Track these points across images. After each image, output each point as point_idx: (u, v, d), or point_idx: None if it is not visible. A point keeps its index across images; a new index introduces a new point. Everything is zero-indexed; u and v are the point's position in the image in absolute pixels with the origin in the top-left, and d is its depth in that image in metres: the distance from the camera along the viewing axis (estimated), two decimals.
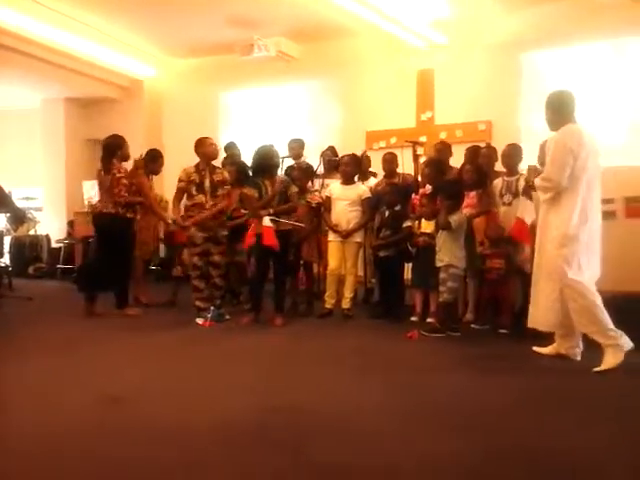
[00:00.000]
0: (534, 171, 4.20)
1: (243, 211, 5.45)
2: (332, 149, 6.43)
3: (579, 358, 4.00)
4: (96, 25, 7.77)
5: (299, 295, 5.96)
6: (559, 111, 4.04)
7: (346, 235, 5.58)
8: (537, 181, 4.03)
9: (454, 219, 4.83)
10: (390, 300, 5.56)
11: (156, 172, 6.27)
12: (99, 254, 5.85)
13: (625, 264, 4.02)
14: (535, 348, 4.24)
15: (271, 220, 5.16)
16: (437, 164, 5.48)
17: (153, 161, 6.18)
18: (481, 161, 5.48)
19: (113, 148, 5.62)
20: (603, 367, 3.77)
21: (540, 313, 4.03)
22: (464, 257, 4.91)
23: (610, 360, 3.77)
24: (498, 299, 5.01)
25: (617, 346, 3.76)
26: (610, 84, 6.71)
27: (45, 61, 7.99)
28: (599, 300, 3.81)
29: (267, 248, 5.15)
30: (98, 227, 5.75)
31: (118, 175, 5.52)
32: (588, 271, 3.86)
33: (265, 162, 5.37)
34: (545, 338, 4.22)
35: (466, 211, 5.08)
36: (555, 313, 3.93)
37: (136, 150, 9.38)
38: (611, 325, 3.78)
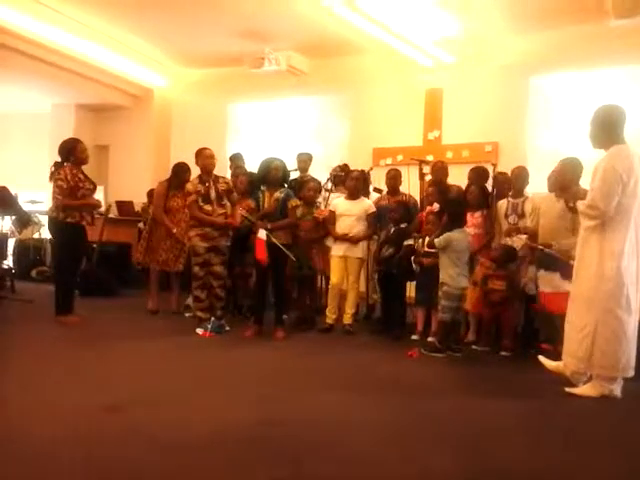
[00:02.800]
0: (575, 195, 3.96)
1: (241, 211, 5.45)
2: (344, 167, 6.43)
3: (581, 385, 3.83)
4: (109, 33, 7.86)
5: (306, 309, 5.95)
6: (607, 129, 3.69)
7: (353, 240, 5.55)
8: (580, 206, 3.74)
9: (442, 238, 4.84)
10: (391, 317, 5.55)
11: (179, 186, 6.06)
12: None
13: None
14: (541, 358, 4.03)
15: (270, 232, 5.16)
16: (439, 184, 5.52)
17: (176, 176, 6.17)
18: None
19: (66, 152, 5.48)
20: (578, 392, 3.71)
21: (569, 346, 3.77)
22: (459, 276, 4.88)
23: (589, 390, 3.70)
24: (500, 321, 5.00)
25: (605, 388, 3.67)
26: None
27: (57, 66, 8.07)
28: (633, 343, 3.63)
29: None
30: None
31: (56, 177, 5.37)
32: (636, 305, 3.63)
33: (265, 175, 5.38)
34: (550, 356, 4.18)
35: (470, 230, 5.09)
36: (585, 349, 3.66)
37: (145, 157, 9.45)
38: (619, 374, 3.64)
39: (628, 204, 3.56)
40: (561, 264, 4.36)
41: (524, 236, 4.91)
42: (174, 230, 5.96)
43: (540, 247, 4.60)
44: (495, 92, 7.41)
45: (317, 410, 3.33)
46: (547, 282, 4.52)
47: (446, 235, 4.86)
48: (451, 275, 4.85)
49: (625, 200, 3.55)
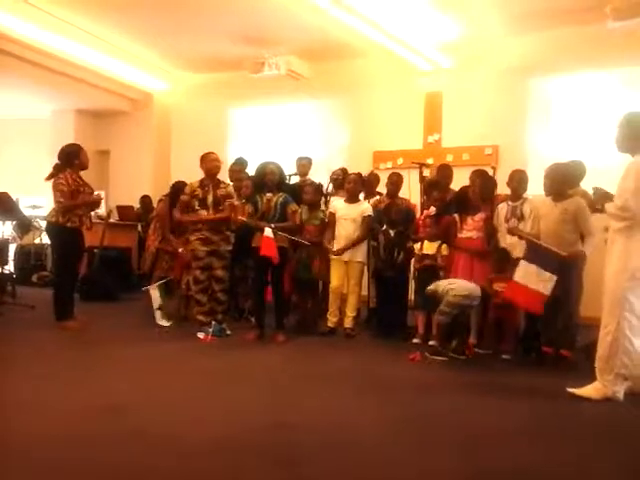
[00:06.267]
0: (604, 196, 3.91)
1: (241, 218, 5.46)
2: (344, 170, 6.46)
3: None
4: (109, 38, 7.87)
5: (308, 312, 5.94)
6: (636, 134, 3.71)
7: (337, 253, 5.57)
8: (609, 208, 3.76)
9: (430, 288, 4.89)
10: (391, 320, 5.55)
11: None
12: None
13: None
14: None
15: (273, 233, 5.14)
16: (439, 186, 5.59)
17: (176, 194, 6.06)
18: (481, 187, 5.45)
19: (69, 157, 5.49)
20: (579, 392, 3.71)
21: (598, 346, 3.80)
22: (456, 283, 4.86)
23: (591, 392, 3.71)
24: (502, 324, 4.99)
25: (607, 390, 3.67)
26: (618, 113, 6.73)
27: (57, 72, 8.10)
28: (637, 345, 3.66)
29: (265, 260, 5.12)
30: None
31: (57, 181, 5.37)
32: None
33: (261, 179, 5.39)
34: (555, 366, 4.19)
35: (472, 234, 5.09)
36: (604, 347, 3.69)
37: (145, 162, 9.42)
38: (619, 371, 3.65)
39: None
40: (547, 256, 4.40)
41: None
42: (180, 250, 5.92)
43: (530, 238, 4.63)
44: (494, 95, 7.43)
45: (319, 413, 3.33)
46: (523, 273, 4.47)
47: (432, 286, 4.90)
48: (451, 287, 4.83)
49: None
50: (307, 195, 5.84)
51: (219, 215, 5.39)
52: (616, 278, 3.68)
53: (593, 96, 6.85)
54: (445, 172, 5.93)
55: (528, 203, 5.08)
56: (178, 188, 6.15)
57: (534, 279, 4.40)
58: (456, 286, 4.79)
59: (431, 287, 4.89)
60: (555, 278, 4.35)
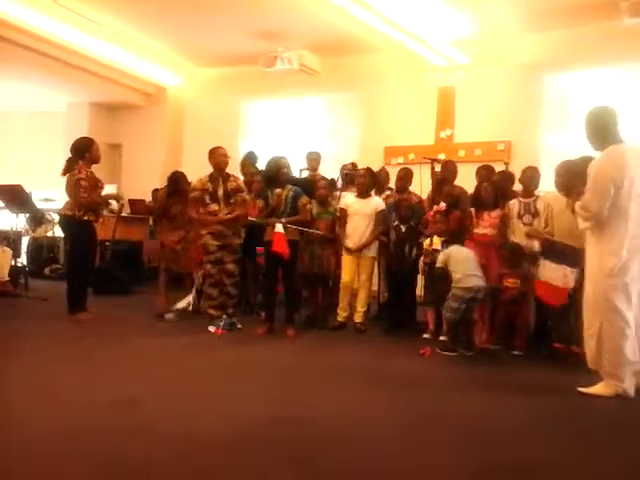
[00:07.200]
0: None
1: (250, 218, 5.47)
2: (353, 164, 6.47)
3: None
4: (123, 32, 7.92)
5: (318, 307, 5.95)
6: (600, 130, 3.69)
7: (356, 251, 5.58)
8: (577, 208, 3.78)
9: (440, 257, 4.91)
10: (401, 315, 5.54)
11: (179, 193, 6.01)
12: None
13: None
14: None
15: (283, 227, 5.16)
16: (444, 183, 5.61)
17: (173, 184, 6.10)
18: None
19: (81, 150, 5.50)
20: (589, 391, 3.69)
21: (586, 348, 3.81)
22: (465, 276, 4.82)
23: (601, 389, 3.69)
24: (513, 320, 4.98)
25: (618, 387, 3.65)
26: (634, 109, 6.67)
27: (72, 66, 8.16)
28: (631, 338, 3.61)
29: (276, 255, 5.13)
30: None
31: (78, 176, 5.38)
32: (636, 300, 3.62)
33: (271, 173, 5.39)
34: (565, 362, 4.19)
35: (487, 231, 5.08)
36: (589, 349, 3.70)
37: (157, 155, 9.45)
38: (627, 367, 3.62)
39: (623, 204, 3.56)
40: (567, 252, 4.41)
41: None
42: (167, 240, 5.93)
43: (547, 237, 4.65)
44: (508, 90, 7.39)
45: (327, 407, 3.33)
46: (551, 272, 4.49)
47: (442, 254, 4.91)
48: (457, 278, 4.83)
49: (620, 200, 3.56)
50: (323, 190, 5.82)
51: (235, 214, 5.42)
52: (595, 279, 3.67)
53: (607, 93, 6.79)
54: (449, 168, 5.92)
55: (541, 200, 5.06)
56: (176, 178, 6.16)
57: (554, 275, 4.44)
58: (460, 268, 4.79)
59: (440, 259, 4.87)
60: (576, 270, 4.34)
